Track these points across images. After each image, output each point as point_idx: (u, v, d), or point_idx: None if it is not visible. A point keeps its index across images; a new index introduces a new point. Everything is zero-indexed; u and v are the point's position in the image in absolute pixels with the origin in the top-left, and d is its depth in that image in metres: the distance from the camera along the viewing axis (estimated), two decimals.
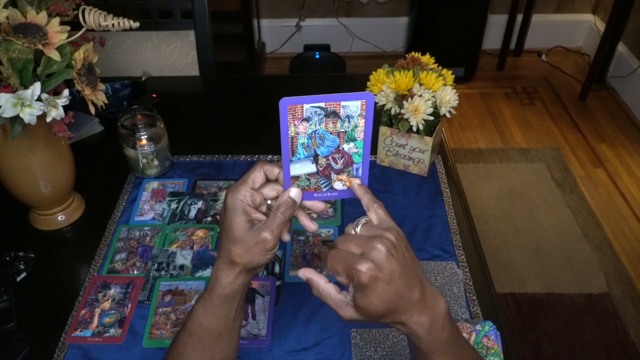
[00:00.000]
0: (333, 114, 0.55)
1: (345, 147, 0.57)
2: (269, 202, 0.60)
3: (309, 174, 0.58)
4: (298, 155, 0.57)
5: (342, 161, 0.58)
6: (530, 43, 3.14)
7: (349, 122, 0.55)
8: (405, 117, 0.98)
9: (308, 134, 0.56)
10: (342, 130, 0.56)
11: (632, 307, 1.81)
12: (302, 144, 0.56)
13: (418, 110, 0.96)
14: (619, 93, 2.84)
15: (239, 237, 0.57)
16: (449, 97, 0.97)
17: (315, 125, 0.55)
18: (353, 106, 0.54)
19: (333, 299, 0.54)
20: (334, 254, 0.53)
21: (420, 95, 0.97)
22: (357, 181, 0.59)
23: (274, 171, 0.59)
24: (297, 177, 0.58)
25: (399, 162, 1.07)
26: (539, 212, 2.16)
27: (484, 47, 2.96)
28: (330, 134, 0.56)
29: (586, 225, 2.11)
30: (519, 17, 2.99)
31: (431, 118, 0.97)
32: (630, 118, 2.69)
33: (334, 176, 0.59)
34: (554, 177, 2.33)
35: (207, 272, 0.88)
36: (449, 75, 1.02)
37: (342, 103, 0.54)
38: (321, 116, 0.55)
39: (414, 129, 0.98)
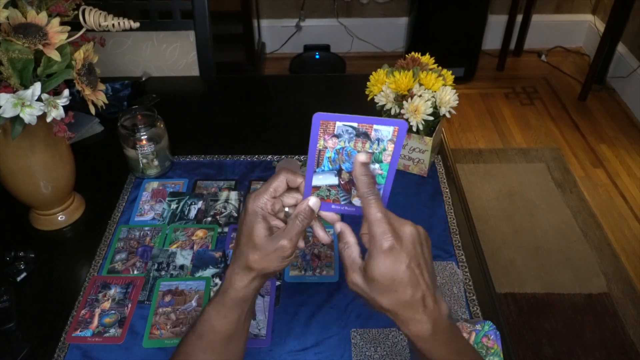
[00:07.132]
0: (364, 135, 0.56)
1: (371, 167, 0.57)
2: (286, 209, 0.61)
3: (330, 186, 0.59)
4: (322, 167, 0.58)
5: None
6: (530, 43, 3.14)
7: (379, 144, 0.56)
8: (405, 117, 0.98)
9: (336, 149, 0.57)
10: (371, 151, 0.57)
11: (632, 307, 1.81)
12: (328, 157, 0.57)
13: (418, 111, 0.97)
14: (618, 93, 2.84)
15: (258, 244, 0.57)
16: (448, 97, 0.97)
17: (344, 142, 0.56)
18: (385, 131, 0.55)
19: (351, 258, 0.55)
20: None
21: (420, 96, 0.97)
22: (361, 157, 0.56)
23: (297, 181, 0.60)
24: (317, 187, 0.59)
25: (399, 162, 1.07)
26: (539, 212, 2.16)
27: (484, 47, 2.96)
28: (358, 152, 0.57)
29: (586, 225, 2.11)
30: (519, 18, 2.99)
31: (431, 118, 0.97)
32: (630, 118, 2.69)
33: (354, 191, 0.59)
34: (553, 177, 2.33)
35: (207, 272, 0.88)
36: (448, 75, 1.02)
37: (375, 126, 0.55)
38: (352, 135, 0.56)
39: (414, 129, 0.98)
